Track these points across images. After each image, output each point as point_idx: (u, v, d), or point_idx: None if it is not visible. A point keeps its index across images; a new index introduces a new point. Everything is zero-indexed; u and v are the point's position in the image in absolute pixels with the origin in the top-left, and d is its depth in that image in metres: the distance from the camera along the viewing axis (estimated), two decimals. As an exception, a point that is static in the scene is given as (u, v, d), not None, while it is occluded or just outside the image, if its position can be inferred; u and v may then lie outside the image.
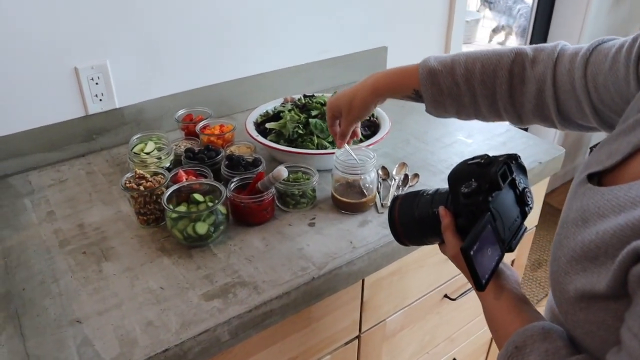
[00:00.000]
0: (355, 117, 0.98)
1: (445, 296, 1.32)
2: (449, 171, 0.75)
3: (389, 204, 1.09)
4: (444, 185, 0.77)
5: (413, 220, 0.81)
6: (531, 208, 0.75)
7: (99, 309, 0.86)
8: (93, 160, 1.30)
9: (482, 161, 0.71)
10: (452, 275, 1.29)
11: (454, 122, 1.48)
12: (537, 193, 1.43)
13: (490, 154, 0.74)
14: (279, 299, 0.89)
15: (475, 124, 1.47)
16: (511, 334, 0.64)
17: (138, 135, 1.21)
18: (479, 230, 0.66)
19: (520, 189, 0.73)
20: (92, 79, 1.26)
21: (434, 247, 1.14)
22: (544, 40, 2.59)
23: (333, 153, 1.08)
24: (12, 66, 1.17)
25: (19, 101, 1.21)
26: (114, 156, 1.32)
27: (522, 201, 0.74)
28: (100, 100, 1.29)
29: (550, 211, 2.87)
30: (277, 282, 0.91)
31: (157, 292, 0.89)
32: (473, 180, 0.70)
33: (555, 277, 0.60)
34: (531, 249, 2.66)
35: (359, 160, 1.08)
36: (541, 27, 2.57)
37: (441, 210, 0.75)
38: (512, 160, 0.73)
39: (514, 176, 0.72)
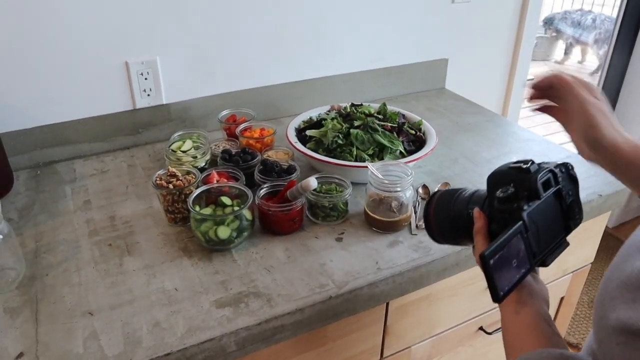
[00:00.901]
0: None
1: (481, 329, 1.24)
2: None
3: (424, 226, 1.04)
4: None
5: (447, 218, 0.77)
6: (578, 223, 0.70)
7: (112, 303, 0.86)
8: (136, 153, 1.33)
9: (524, 166, 0.66)
10: (490, 306, 1.21)
11: (509, 144, 1.40)
12: (596, 228, 1.32)
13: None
14: (292, 315, 0.85)
15: (533, 146, 1.38)
16: (524, 351, 0.60)
17: (179, 133, 1.22)
18: (506, 239, 0.61)
19: (567, 201, 0.68)
20: (142, 74, 1.28)
21: (470, 277, 1.09)
22: (630, 48, 2.38)
23: (364, 167, 1.03)
24: (67, 57, 1.21)
25: (72, 91, 1.25)
26: (156, 151, 1.33)
27: (569, 215, 0.68)
28: (148, 95, 1.31)
29: (618, 246, 2.67)
30: (293, 297, 0.87)
31: (171, 293, 0.88)
32: (512, 185, 0.65)
33: (601, 299, 0.54)
34: (588, 286, 2.49)
35: (396, 176, 1.03)
36: (627, 35, 2.36)
37: (475, 212, 0.71)
38: (561, 169, 0.67)
39: (559, 187, 0.67)
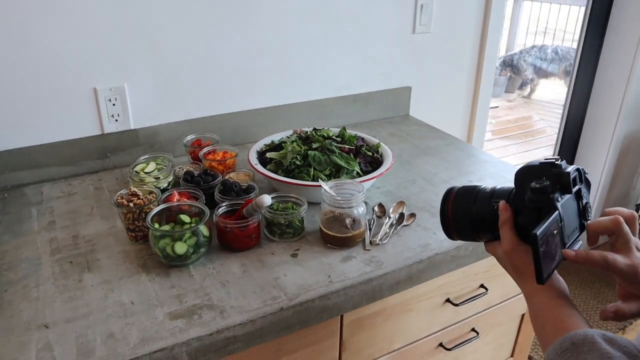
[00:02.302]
0: None
1: (441, 345, 1.27)
2: None
3: (378, 241, 1.08)
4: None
5: (467, 213, 0.81)
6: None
7: (68, 316, 0.88)
8: (104, 177, 1.36)
9: (557, 162, 0.71)
10: (448, 322, 1.24)
11: (467, 166, 1.45)
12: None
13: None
14: (243, 326, 0.88)
15: (490, 168, 1.44)
16: (567, 330, 0.64)
17: (145, 156, 1.26)
18: (548, 224, 0.66)
19: (583, 201, 0.74)
20: (110, 100, 1.33)
21: (425, 291, 1.13)
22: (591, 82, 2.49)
23: (319, 186, 1.08)
24: (36, 82, 1.25)
25: (41, 116, 1.29)
26: (124, 175, 1.37)
27: (583, 214, 0.74)
28: (117, 120, 1.36)
29: (584, 267, 2.72)
30: (245, 308, 0.90)
31: (127, 307, 0.90)
32: (545, 178, 0.70)
33: None
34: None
35: (349, 194, 1.07)
36: (587, 70, 2.47)
37: (502, 204, 0.75)
38: (580, 171, 0.73)
39: (581, 186, 0.73)
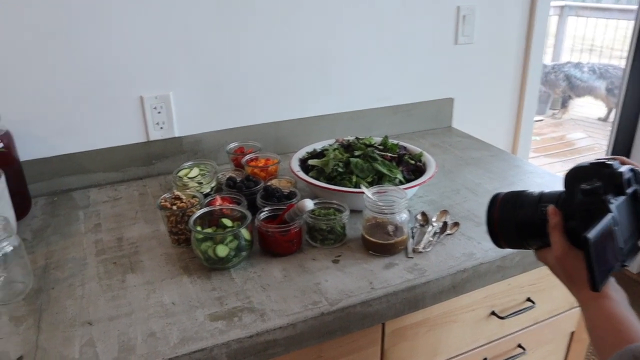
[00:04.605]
0: None
1: (485, 360, 1.22)
2: None
3: (421, 249, 1.06)
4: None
5: (514, 219, 0.78)
6: None
7: (111, 314, 0.89)
8: (149, 183, 1.39)
9: (608, 162, 0.68)
10: (493, 337, 1.20)
11: (511, 176, 1.41)
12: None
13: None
14: (283, 330, 0.87)
15: (536, 179, 1.40)
16: (628, 342, 0.61)
17: (189, 163, 1.28)
18: (602, 227, 0.62)
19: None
20: (155, 107, 1.36)
21: (469, 303, 1.09)
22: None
23: (362, 192, 1.07)
24: (86, 90, 1.30)
25: (89, 123, 1.33)
26: (168, 181, 1.39)
27: None
28: (162, 128, 1.38)
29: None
30: (285, 312, 0.89)
31: (168, 307, 0.91)
32: (596, 179, 0.67)
33: None
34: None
35: (392, 200, 1.05)
36: (637, 85, 2.39)
37: (550, 208, 0.72)
38: (635, 172, 0.70)
39: (637, 188, 0.69)
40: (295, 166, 1.25)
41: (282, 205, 1.09)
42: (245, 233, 1.00)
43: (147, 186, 1.37)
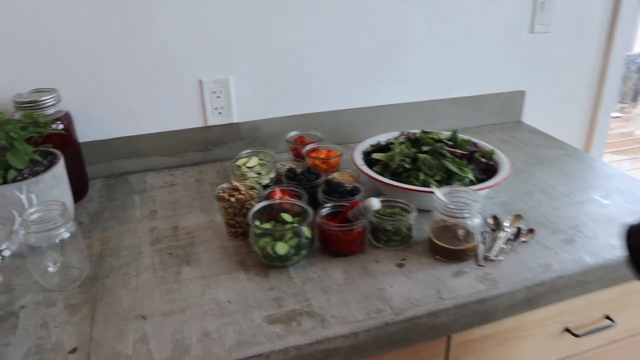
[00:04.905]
0: None
1: (556, 378, 1.14)
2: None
3: (493, 257, 0.98)
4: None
5: None
6: None
7: (165, 309, 0.86)
8: (205, 169, 1.35)
9: None
10: (565, 354, 1.11)
11: (589, 179, 1.30)
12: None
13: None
14: (345, 338, 0.81)
15: (616, 183, 1.28)
16: None
17: (247, 151, 1.23)
18: None
19: None
20: (215, 92, 1.31)
21: (545, 317, 1.01)
22: None
23: (432, 192, 0.99)
24: (146, 73, 1.26)
25: (148, 106, 1.30)
26: (225, 168, 1.35)
27: None
28: (220, 113, 1.34)
29: None
30: (347, 319, 0.83)
31: (224, 305, 0.87)
32: None
33: None
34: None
35: (464, 203, 0.98)
36: None
37: None
38: None
39: None
40: (359, 160, 1.18)
41: (344, 202, 1.02)
42: (306, 230, 0.95)
43: (203, 172, 1.33)
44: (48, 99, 1.12)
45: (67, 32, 1.18)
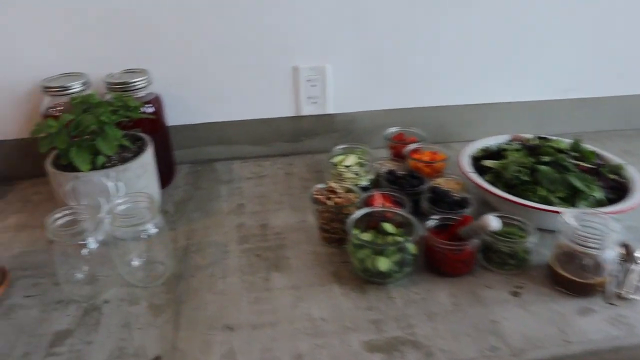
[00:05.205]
0: None
1: None
2: None
3: (627, 295, 0.84)
4: None
5: None
6: None
7: (254, 321, 0.78)
8: (294, 161, 1.27)
9: None
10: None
11: None
12: None
13: None
14: (455, 378, 0.71)
15: None
16: None
17: (343, 146, 1.14)
18: None
19: None
20: (310, 80, 1.22)
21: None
22: None
23: (559, 212, 0.86)
24: (239, 57, 1.19)
25: (239, 91, 1.23)
26: (316, 162, 1.26)
27: None
28: (314, 103, 1.25)
29: None
30: (457, 355, 0.73)
31: (317, 323, 0.78)
32: None
33: None
34: None
35: (596, 229, 0.84)
36: None
37: None
38: None
39: None
40: (467, 166, 1.06)
41: (453, 215, 0.91)
42: (411, 246, 0.84)
43: (292, 165, 1.25)
44: (139, 81, 1.07)
45: (161, 13, 1.12)
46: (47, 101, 1.09)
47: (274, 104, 1.25)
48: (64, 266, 0.84)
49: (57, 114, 1.08)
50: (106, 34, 1.13)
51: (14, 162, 1.24)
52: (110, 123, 0.92)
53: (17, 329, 0.79)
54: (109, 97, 1.05)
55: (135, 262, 0.88)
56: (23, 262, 0.94)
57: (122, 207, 0.86)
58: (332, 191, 0.94)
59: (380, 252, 0.83)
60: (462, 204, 0.95)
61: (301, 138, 1.29)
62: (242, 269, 0.90)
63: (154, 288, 0.86)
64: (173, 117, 1.20)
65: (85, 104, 0.94)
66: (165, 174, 1.14)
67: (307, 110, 1.25)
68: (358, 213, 0.88)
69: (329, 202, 0.91)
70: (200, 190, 1.15)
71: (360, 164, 1.06)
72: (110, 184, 0.91)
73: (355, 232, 0.86)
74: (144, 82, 1.07)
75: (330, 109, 1.27)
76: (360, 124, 1.30)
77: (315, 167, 1.23)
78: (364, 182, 1.03)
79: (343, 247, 0.94)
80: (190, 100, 1.22)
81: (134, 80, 1.06)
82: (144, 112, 1.03)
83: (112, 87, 1.06)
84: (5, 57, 1.13)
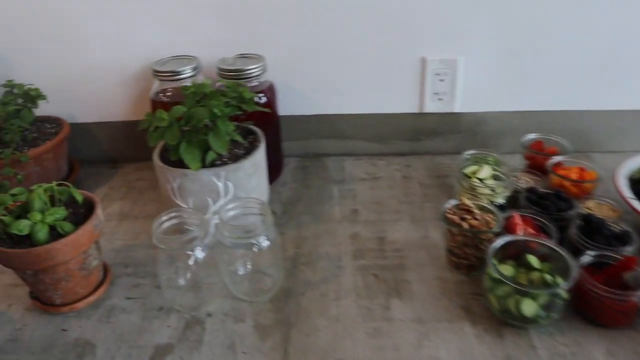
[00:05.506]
0: None
1: None
2: None
3: None
4: None
5: None
6: None
7: (372, 358, 0.68)
8: (412, 162, 1.14)
9: None
10: None
11: None
12: None
13: None
14: None
15: None
16: None
17: (472, 152, 1.00)
18: None
19: None
20: (438, 74, 1.08)
21: None
22: None
23: None
24: (359, 45, 1.08)
25: (357, 83, 1.12)
26: (436, 164, 1.13)
27: None
28: (440, 99, 1.11)
29: None
30: None
31: (447, 371, 0.67)
32: None
33: None
34: None
35: None
36: None
37: None
38: None
39: None
40: (625, 190, 0.89)
41: (612, 252, 0.75)
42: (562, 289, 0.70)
43: (410, 167, 1.13)
44: (254, 69, 0.98)
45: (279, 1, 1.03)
46: (156, 85, 1.04)
47: (395, 99, 1.13)
48: (167, 271, 0.78)
49: (166, 99, 1.02)
50: (220, 14, 1.05)
51: (119, 144, 1.21)
52: (223, 117, 0.84)
53: (118, 337, 0.74)
54: (219, 84, 0.98)
55: (241, 271, 0.81)
56: (124, 257, 0.90)
57: (232, 213, 0.78)
58: (467, 210, 0.81)
59: (525, 294, 0.70)
60: (623, 238, 0.79)
61: (421, 137, 1.16)
62: (357, 291, 0.80)
63: (260, 304, 0.78)
64: (283, 107, 1.11)
65: (197, 95, 0.86)
66: (274, 168, 1.06)
67: (432, 107, 1.12)
68: (499, 242, 0.75)
69: (464, 225, 0.79)
70: (309, 190, 1.06)
71: (496, 177, 0.92)
72: (219, 184, 0.84)
73: (495, 263, 0.73)
74: (259, 69, 0.99)
75: (457, 107, 1.12)
76: (488, 125, 1.14)
77: (435, 171, 1.10)
78: (500, 200, 0.89)
79: (473, 274, 0.81)
80: (304, 90, 1.12)
81: (248, 68, 0.98)
82: (258, 103, 0.95)
83: (225, 73, 0.99)
84: (116, 37, 1.09)
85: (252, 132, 0.95)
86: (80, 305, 0.79)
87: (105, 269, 0.85)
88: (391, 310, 0.76)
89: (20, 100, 1.06)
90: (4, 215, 0.74)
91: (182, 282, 0.79)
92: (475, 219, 0.80)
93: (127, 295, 0.82)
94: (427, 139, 1.16)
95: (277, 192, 1.05)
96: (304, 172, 1.12)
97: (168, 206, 0.89)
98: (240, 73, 0.98)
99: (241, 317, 0.76)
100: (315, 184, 1.07)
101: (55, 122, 1.12)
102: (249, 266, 0.81)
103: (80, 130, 1.17)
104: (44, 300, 0.79)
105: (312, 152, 1.18)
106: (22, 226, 0.72)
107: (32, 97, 1.07)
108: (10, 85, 1.07)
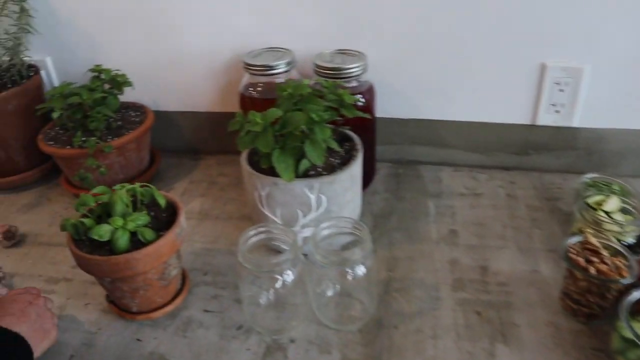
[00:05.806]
0: None
1: None
2: None
3: None
4: None
5: None
6: None
7: (476, 419, 0.60)
8: (517, 179, 1.03)
9: None
10: None
11: None
12: None
13: None
14: None
15: None
16: None
17: (592, 175, 0.88)
18: None
19: None
20: (558, 83, 0.96)
21: None
22: None
23: None
24: (468, 45, 0.96)
25: (463, 87, 1.01)
26: (544, 184, 1.01)
27: None
28: (557, 112, 0.99)
29: None
30: None
31: None
32: None
33: None
34: None
35: None
36: None
37: None
38: None
39: None
40: None
41: None
42: None
43: (515, 184, 1.02)
44: (355, 68, 0.90)
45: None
46: (246, 78, 0.98)
47: (504, 107, 1.01)
48: (250, 290, 0.73)
49: (256, 94, 0.96)
50: (318, 5, 0.98)
51: (203, 135, 1.17)
52: (321, 122, 0.77)
53: (194, 355, 0.70)
54: (312, 82, 0.91)
55: (330, 293, 0.75)
56: (203, 263, 0.86)
57: (326, 231, 0.72)
58: (593, 250, 0.70)
59: (665, 362, 0.59)
60: None
61: (529, 151, 1.04)
62: (458, 330, 0.71)
63: (348, 334, 0.71)
64: (379, 109, 1.02)
65: (294, 97, 0.80)
66: (366, 174, 0.97)
67: (546, 119, 1.00)
68: (635, 295, 0.64)
69: (592, 270, 0.68)
70: (403, 202, 0.97)
71: (625, 210, 0.80)
72: (312, 196, 0.77)
73: (630, 321, 0.62)
74: (359, 68, 0.91)
75: (576, 122, 0.99)
76: (609, 144, 1.01)
77: (545, 192, 0.99)
78: (630, 239, 0.77)
79: (595, 323, 0.71)
80: (403, 91, 1.03)
81: (348, 67, 0.90)
82: (357, 107, 0.87)
83: (322, 71, 0.91)
84: (206, 23, 1.04)
85: (349, 139, 0.87)
86: (156, 314, 0.75)
87: (184, 276, 0.81)
88: (497, 358, 0.67)
89: (106, 87, 1.03)
90: (85, 216, 0.71)
91: (264, 300, 0.73)
92: (604, 262, 0.69)
93: (205, 307, 0.77)
94: (536, 153, 1.04)
95: (367, 202, 0.97)
96: (397, 181, 1.03)
97: (253, 212, 0.84)
98: (339, 72, 0.90)
99: (327, 348, 0.69)
100: (408, 196, 0.99)
101: (139, 110, 1.09)
102: (337, 287, 0.75)
103: (163, 118, 1.14)
104: (120, 306, 0.76)
105: (406, 158, 1.09)
106: (103, 232, 0.68)
107: (119, 83, 1.04)
108: (97, 70, 1.03)
